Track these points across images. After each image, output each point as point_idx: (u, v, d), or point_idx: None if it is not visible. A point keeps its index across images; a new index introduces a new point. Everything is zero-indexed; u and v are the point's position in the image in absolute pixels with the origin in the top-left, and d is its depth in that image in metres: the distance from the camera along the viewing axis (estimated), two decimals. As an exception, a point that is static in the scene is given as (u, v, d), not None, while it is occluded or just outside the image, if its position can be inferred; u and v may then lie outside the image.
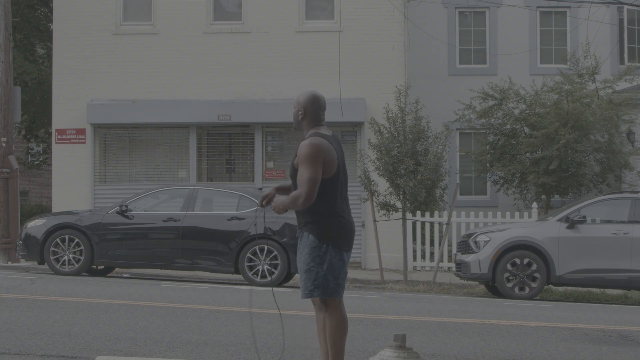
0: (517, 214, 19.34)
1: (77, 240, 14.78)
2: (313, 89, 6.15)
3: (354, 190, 19.68)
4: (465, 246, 15.34)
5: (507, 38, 24.38)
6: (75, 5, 21.00)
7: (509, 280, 14.64)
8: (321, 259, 5.70)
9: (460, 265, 15.32)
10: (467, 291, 16.09)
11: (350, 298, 12.58)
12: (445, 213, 18.92)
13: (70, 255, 14.76)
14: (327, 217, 5.75)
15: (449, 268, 18.66)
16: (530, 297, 14.56)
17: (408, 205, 17.66)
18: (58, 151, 20.94)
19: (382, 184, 17.41)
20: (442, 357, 7.51)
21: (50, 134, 26.33)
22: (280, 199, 5.75)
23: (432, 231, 19.59)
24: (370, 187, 17.26)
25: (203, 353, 6.96)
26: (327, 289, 5.71)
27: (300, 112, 5.90)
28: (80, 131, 20.78)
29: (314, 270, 5.70)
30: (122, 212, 14.91)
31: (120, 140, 21.22)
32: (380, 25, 20.61)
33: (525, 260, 14.63)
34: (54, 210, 20.08)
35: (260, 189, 18.54)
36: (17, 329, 7.70)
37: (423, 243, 19.83)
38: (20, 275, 14.51)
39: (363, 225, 19.96)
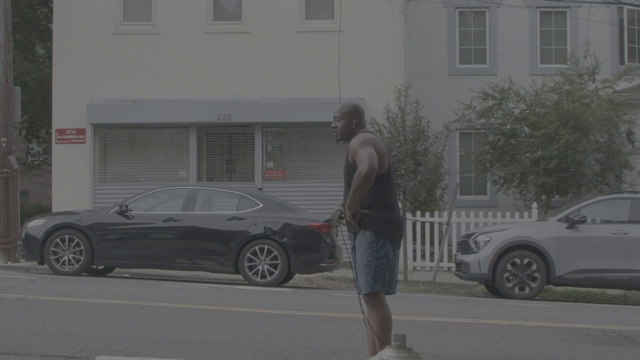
0: (517, 214, 19.33)
1: (77, 240, 14.76)
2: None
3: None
4: (465, 246, 15.34)
5: (507, 38, 24.38)
6: (75, 5, 21.01)
7: (509, 280, 14.63)
8: (378, 253, 5.89)
9: (460, 265, 15.32)
10: (467, 291, 16.09)
11: (350, 298, 12.58)
12: (445, 213, 18.92)
13: (70, 255, 14.75)
14: (383, 213, 5.94)
15: (449, 268, 18.66)
16: (530, 297, 14.56)
17: (408, 205, 17.66)
18: (58, 151, 20.95)
19: (382, 184, 17.38)
20: (442, 357, 7.51)
21: (50, 134, 26.33)
22: (346, 204, 5.89)
23: (432, 231, 19.59)
24: (370, 187, 17.24)
25: (203, 353, 6.96)
26: (384, 283, 5.91)
27: (354, 121, 6.11)
28: (80, 131, 20.79)
29: (373, 264, 5.88)
30: (122, 212, 14.90)
31: (120, 140, 21.23)
32: (380, 25, 20.62)
33: (525, 260, 14.63)
34: (54, 210, 20.08)
35: (260, 189, 18.53)
36: (17, 329, 7.70)
37: (423, 243, 19.83)
38: (20, 275, 14.51)
39: (363, 225, 19.95)
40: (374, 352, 5.93)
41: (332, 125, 6.20)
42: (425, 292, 15.55)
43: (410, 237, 19.05)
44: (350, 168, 5.95)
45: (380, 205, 5.93)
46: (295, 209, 15.16)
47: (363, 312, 6.02)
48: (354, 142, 5.94)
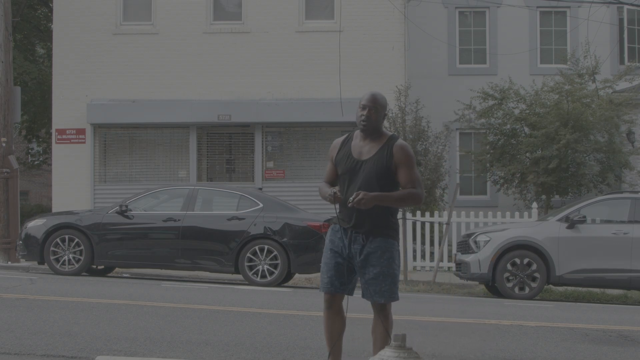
0: (517, 214, 19.32)
1: (77, 240, 14.77)
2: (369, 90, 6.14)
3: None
4: (465, 246, 15.34)
5: (507, 38, 24.38)
6: (75, 5, 21.02)
7: (509, 280, 14.63)
8: (399, 261, 5.87)
9: (460, 265, 15.32)
10: (467, 291, 16.09)
11: (351, 298, 12.58)
12: (445, 213, 18.92)
13: (70, 255, 14.75)
14: (397, 222, 5.87)
15: (449, 268, 18.65)
16: (530, 297, 14.56)
17: (408, 205, 17.62)
18: (58, 151, 20.95)
19: (382, 184, 17.37)
20: (442, 357, 7.51)
21: (50, 134, 26.33)
22: (370, 193, 5.54)
23: (432, 231, 19.58)
24: (370, 187, 17.23)
25: (203, 353, 6.96)
26: None
27: (384, 116, 5.84)
28: (80, 131, 20.80)
29: (396, 274, 5.82)
30: (122, 212, 14.91)
31: (120, 140, 21.23)
32: (380, 25, 20.62)
33: (525, 260, 14.63)
34: (54, 210, 20.08)
35: (260, 189, 18.53)
36: (17, 329, 7.70)
37: (423, 243, 19.82)
38: (20, 275, 14.51)
39: (363, 225, 19.94)
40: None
41: (365, 113, 5.67)
42: (425, 292, 15.55)
43: (410, 237, 19.04)
44: (383, 167, 5.63)
45: (395, 212, 5.84)
46: (295, 209, 15.16)
47: (382, 318, 5.89)
48: (406, 151, 5.65)
